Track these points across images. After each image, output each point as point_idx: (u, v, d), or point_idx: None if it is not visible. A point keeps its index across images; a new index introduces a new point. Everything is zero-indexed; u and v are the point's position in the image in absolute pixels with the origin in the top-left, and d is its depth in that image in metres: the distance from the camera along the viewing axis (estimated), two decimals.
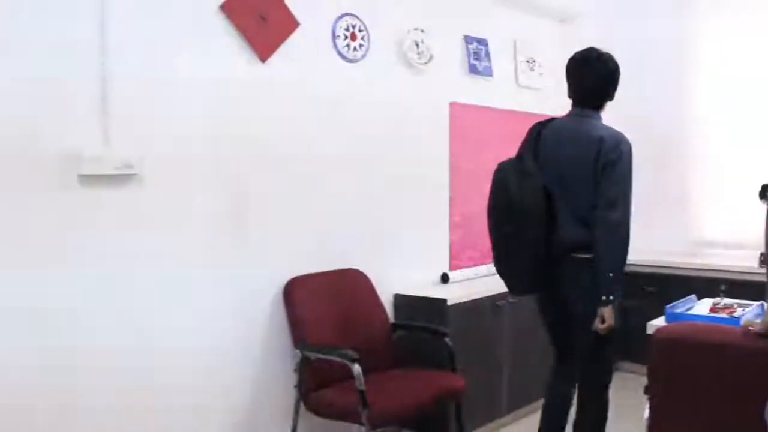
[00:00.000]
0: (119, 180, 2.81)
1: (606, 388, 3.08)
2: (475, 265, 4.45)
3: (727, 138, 5.05)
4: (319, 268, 3.52)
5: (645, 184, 5.36)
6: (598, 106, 3.01)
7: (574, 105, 3.04)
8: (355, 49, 3.73)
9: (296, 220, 3.46)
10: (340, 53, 3.66)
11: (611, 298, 2.78)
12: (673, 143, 5.28)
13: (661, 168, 5.23)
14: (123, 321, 2.84)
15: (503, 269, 3.04)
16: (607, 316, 2.81)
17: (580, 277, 2.87)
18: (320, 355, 3.20)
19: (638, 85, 5.40)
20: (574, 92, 3.03)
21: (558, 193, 2.91)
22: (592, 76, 2.97)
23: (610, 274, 2.78)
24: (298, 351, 3.26)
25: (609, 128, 2.93)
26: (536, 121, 3.15)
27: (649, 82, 5.36)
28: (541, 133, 3.06)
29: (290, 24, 3.41)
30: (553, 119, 3.10)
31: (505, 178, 2.97)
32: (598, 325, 2.84)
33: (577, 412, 3.11)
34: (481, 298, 3.91)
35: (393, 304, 3.90)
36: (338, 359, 3.11)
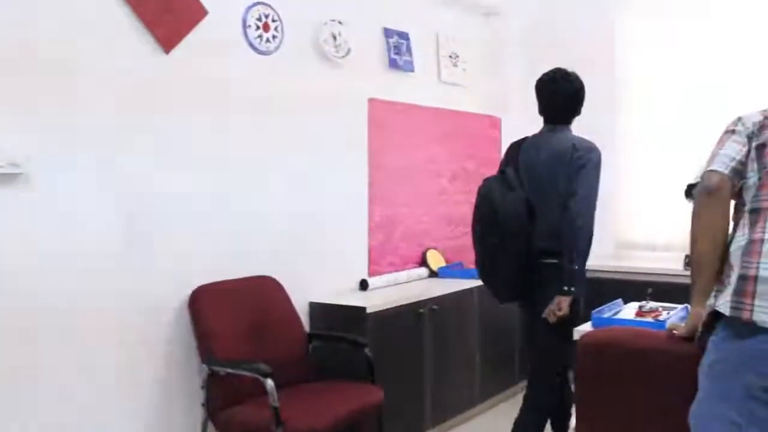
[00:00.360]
0: (2, 180, 2.69)
1: (551, 382, 3.22)
2: (395, 271, 4.47)
3: (653, 139, 5.22)
4: (229, 275, 3.47)
5: None
6: (567, 121, 3.37)
7: (545, 122, 3.38)
8: (267, 40, 3.69)
9: (203, 223, 3.40)
10: (251, 44, 3.62)
11: (572, 289, 3.10)
12: (597, 144, 5.42)
13: None
14: (7, 336, 2.72)
15: (489, 279, 3.32)
16: (563, 305, 3.11)
17: (550, 281, 3.16)
18: (229, 370, 3.15)
19: None
20: (544, 110, 3.39)
21: (536, 203, 3.23)
22: (561, 95, 3.34)
23: (575, 267, 3.10)
24: (205, 366, 3.20)
25: (580, 138, 3.30)
26: (512, 141, 3.52)
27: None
28: (521, 147, 3.40)
29: (197, 12, 3.35)
30: (527, 137, 3.45)
31: (489, 193, 3.25)
32: (553, 310, 3.13)
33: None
34: (401, 306, 3.92)
35: (309, 313, 3.88)
36: (249, 374, 3.07)
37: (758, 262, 1.91)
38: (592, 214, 3.16)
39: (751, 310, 1.87)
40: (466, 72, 5.19)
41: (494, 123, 5.50)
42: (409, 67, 4.64)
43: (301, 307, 3.78)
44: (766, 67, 4.63)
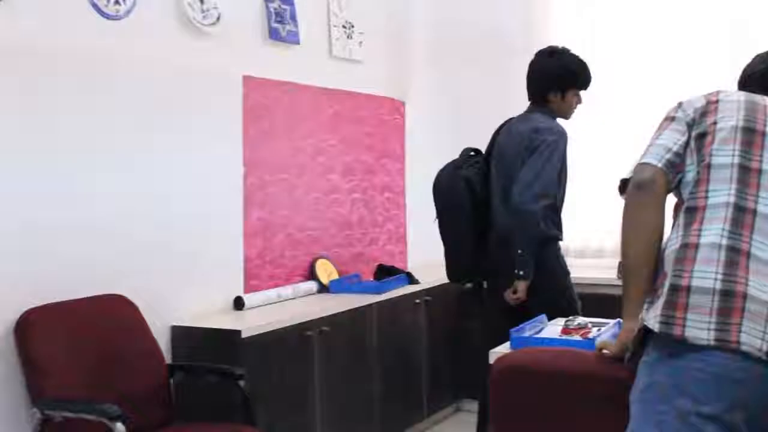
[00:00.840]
0: None
1: None
2: (277, 286, 4.45)
3: (581, 133, 5.34)
4: (68, 295, 3.38)
5: None
6: (542, 102, 3.90)
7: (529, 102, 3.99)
8: (116, 2, 3.63)
9: (33, 230, 3.30)
10: (95, 6, 3.55)
11: (522, 273, 3.73)
12: None
13: None
14: None
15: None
16: (519, 290, 3.77)
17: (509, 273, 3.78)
18: (68, 414, 3.05)
19: (480, 72, 5.62)
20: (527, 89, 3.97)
21: (501, 185, 3.87)
22: (535, 71, 3.93)
23: (519, 251, 3.72)
24: (36, 409, 3.09)
25: (548, 121, 3.83)
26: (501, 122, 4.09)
27: (494, 67, 5.58)
28: (500, 131, 4.01)
29: None
30: (511, 119, 4.01)
31: (438, 174, 4.04)
32: (509, 296, 3.79)
33: None
34: (285, 328, 3.90)
35: (170, 338, 3.83)
36: (93, 417, 2.98)
37: (692, 270, 1.97)
38: (539, 199, 3.67)
39: (683, 326, 1.93)
40: (363, 46, 5.21)
41: (397, 107, 5.54)
42: (293, 39, 4.62)
43: (160, 332, 3.73)
44: (706, 57, 4.83)
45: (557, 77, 3.86)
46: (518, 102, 5.33)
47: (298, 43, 4.66)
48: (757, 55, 2.48)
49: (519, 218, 3.72)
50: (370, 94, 5.26)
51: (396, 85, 5.51)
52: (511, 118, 4.00)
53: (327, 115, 4.89)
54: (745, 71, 2.48)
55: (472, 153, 4.11)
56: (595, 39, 5.23)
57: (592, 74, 3.95)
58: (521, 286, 3.76)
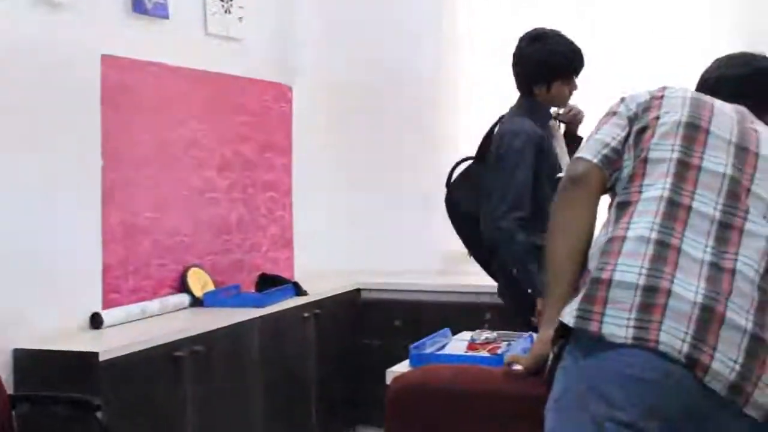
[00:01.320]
0: None
1: None
2: (142, 300, 4.39)
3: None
4: None
5: (385, 186, 5.63)
6: (528, 94, 3.89)
7: None
8: None
9: None
10: None
11: (531, 291, 3.66)
12: (416, 138, 5.61)
13: (400, 166, 5.52)
14: None
15: None
16: (540, 307, 3.56)
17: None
18: None
19: (381, 51, 5.64)
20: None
21: (487, 192, 3.86)
22: (517, 61, 3.89)
23: (514, 271, 3.74)
24: None
25: (518, 122, 3.82)
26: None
27: (397, 46, 5.62)
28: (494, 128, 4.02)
29: None
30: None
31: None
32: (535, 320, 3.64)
33: None
34: (150, 349, 3.86)
35: (12, 364, 3.74)
36: None
37: (616, 263, 2.02)
38: (506, 213, 3.70)
39: (600, 321, 1.97)
40: (243, 21, 5.20)
41: (283, 93, 5.54)
42: (161, 12, 4.58)
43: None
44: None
45: (543, 65, 3.83)
46: (431, 87, 5.41)
47: (167, 17, 4.61)
48: (716, 60, 2.61)
49: (496, 238, 3.78)
50: (252, 77, 5.25)
51: (282, 68, 5.50)
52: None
53: (201, 101, 4.86)
54: (702, 76, 2.59)
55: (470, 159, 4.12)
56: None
57: (584, 58, 3.90)
58: (540, 303, 3.69)
